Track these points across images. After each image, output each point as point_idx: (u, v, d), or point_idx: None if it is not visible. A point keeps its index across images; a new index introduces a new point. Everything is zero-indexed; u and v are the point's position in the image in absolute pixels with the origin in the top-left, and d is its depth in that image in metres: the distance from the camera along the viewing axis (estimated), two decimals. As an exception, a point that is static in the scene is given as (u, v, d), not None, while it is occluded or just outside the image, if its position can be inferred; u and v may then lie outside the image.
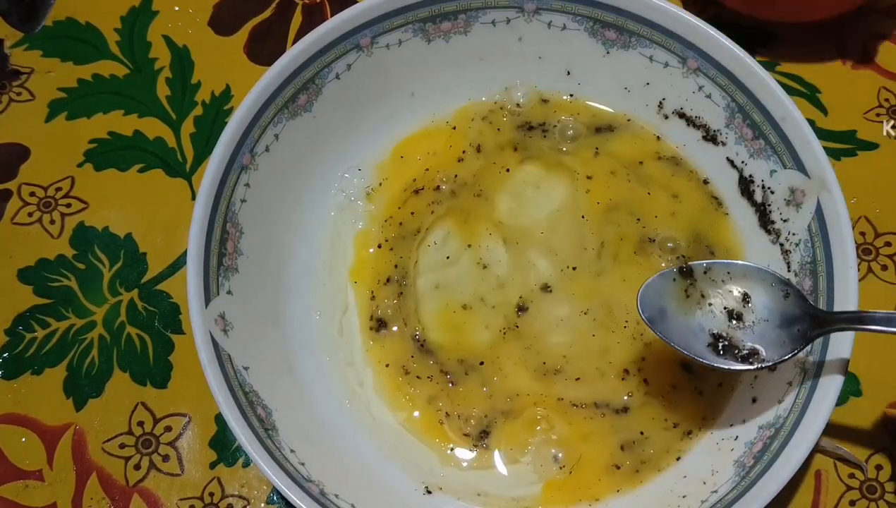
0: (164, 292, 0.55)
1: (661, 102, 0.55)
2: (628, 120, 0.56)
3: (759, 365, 0.45)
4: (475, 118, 0.57)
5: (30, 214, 0.57)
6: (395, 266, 0.54)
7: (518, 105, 0.57)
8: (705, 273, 0.47)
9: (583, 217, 0.54)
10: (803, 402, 0.45)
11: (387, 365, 0.51)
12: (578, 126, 0.57)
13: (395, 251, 0.54)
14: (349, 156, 0.56)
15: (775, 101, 0.50)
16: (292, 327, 0.52)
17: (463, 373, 0.51)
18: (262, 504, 0.50)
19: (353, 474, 0.48)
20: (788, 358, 0.44)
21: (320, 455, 0.47)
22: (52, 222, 0.57)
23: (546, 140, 0.56)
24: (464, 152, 0.56)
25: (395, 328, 0.52)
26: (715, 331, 0.46)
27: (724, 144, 0.53)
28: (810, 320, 0.44)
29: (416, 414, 0.50)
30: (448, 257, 0.54)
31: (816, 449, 0.50)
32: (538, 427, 0.50)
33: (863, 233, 0.56)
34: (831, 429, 0.51)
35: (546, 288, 0.53)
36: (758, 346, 0.45)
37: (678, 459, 0.49)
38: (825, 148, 0.48)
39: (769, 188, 0.51)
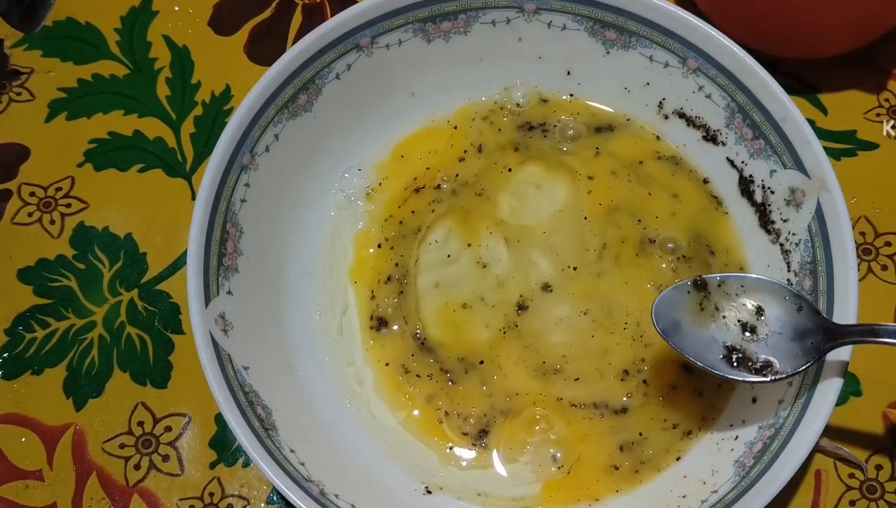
0: (164, 292, 0.55)
1: (661, 102, 0.55)
2: (628, 120, 0.56)
3: (774, 378, 0.45)
4: (476, 118, 0.57)
5: (30, 214, 0.57)
6: (396, 264, 0.54)
7: (518, 105, 0.57)
8: (719, 286, 0.47)
9: (585, 218, 0.54)
10: (803, 402, 0.45)
11: (387, 364, 0.51)
12: (578, 126, 0.57)
13: (395, 250, 0.54)
14: (349, 156, 0.56)
15: (775, 101, 0.50)
16: (292, 327, 0.52)
17: (463, 372, 0.51)
18: (262, 504, 0.50)
19: (353, 474, 0.48)
20: (802, 370, 0.44)
21: (320, 455, 0.47)
22: (52, 222, 0.57)
23: (546, 140, 0.56)
24: (465, 152, 0.56)
25: (395, 326, 0.52)
26: (729, 344, 0.46)
27: (724, 144, 0.53)
28: (823, 333, 0.44)
29: (416, 412, 0.50)
30: (449, 255, 0.54)
31: (816, 449, 0.50)
32: (537, 427, 0.50)
33: (863, 233, 0.56)
34: (831, 429, 0.51)
35: (547, 287, 0.53)
36: (772, 358, 0.45)
37: (678, 459, 0.49)
38: (825, 148, 0.48)
39: (769, 188, 0.51)
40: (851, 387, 0.52)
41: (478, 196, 0.55)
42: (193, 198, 0.57)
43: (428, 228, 0.54)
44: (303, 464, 0.45)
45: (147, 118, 0.60)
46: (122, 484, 0.51)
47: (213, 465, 0.51)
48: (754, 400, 0.48)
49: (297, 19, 0.64)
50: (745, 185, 0.53)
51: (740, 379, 0.45)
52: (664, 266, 0.53)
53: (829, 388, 0.44)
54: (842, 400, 0.52)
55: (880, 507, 0.50)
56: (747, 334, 0.46)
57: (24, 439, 0.52)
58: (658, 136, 0.56)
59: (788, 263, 0.49)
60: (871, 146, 0.59)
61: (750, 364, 0.46)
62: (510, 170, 0.56)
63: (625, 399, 0.50)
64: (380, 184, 0.56)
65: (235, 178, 0.49)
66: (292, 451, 0.45)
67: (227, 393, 0.44)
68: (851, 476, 0.50)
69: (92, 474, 0.51)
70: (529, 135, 0.57)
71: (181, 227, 0.56)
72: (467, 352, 0.51)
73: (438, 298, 0.53)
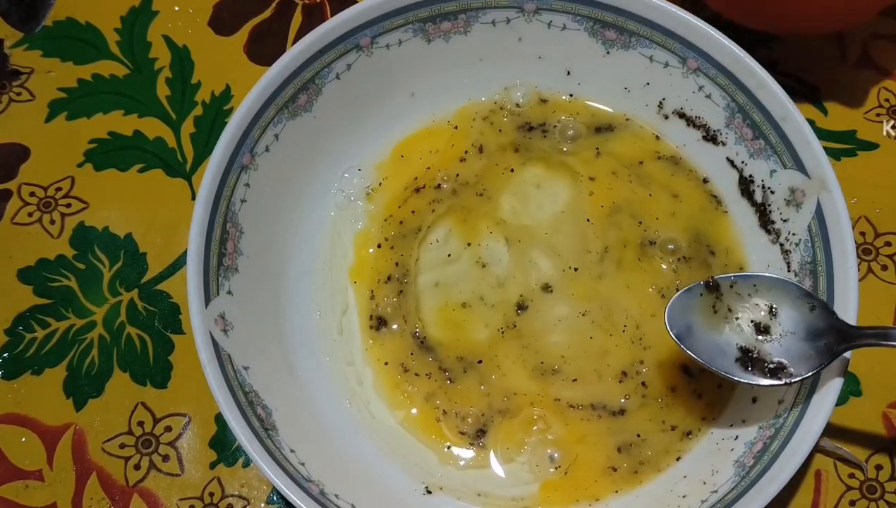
0: (164, 292, 0.55)
1: (661, 102, 0.55)
2: (628, 120, 0.56)
3: (788, 380, 0.45)
4: (476, 118, 0.57)
5: (30, 214, 0.57)
6: (396, 264, 0.54)
7: (518, 105, 0.57)
8: (731, 287, 0.46)
9: (588, 220, 0.54)
10: (803, 402, 0.45)
11: (386, 363, 0.51)
12: (578, 126, 0.57)
13: (395, 249, 0.54)
14: (349, 156, 0.56)
15: (775, 101, 0.50)
16: (292, 327, 0.52)
17: (461, 371, 0.51)
18: (262, 504, 0.50)
19: (353, 474, 0.48)
20: (815, 372, 0.44)
21: (320, 455, 0.47)
22: (52, 222, 0.57)
23: (546, 140, 0.56)
24: (466, 152, 0.56)
25: (395, 326, 0.52)
26: (742, 345, 0.46)
27: (723, 144, 0.53)
28: (836, 334, 0.44)
29: (414, 411, 0.50)
30: (449, 255, 0.54)
31: (816, 449, 0.50)
32: (535, 427, 0.50)
33: (863, 233, 0.56)
34: (831, 429, 0.51)
35: (547, 287, 0.53)
36: (784, 360, 0.45)
37: (678, 459, 0.49)
38: (825, 148, 0.48)
39: (769, 188, 0.51)
40: (851, 387, 0.52)
41: (478, 196, 0.55)
42: (193, 198, 0.57)
43: (428, 228, 0.54)
44: (303, 464, 0.45)
45: (147, 118, 0.60)
46: (122, 484, 0.51)
47: (213, 465, 0.51)
48: (754, 400, 0.48)
49: (297, 19, 0.64)
50: (745, 185, 0.53)
51: (754, 382, 0.45)
52: (664, 267, 0.53)
53: (830, 388, 0.44)
54: (842, 400, 0.52)
55: (880, 507, 0.50)
56: (761, 335, 0.46)
57: (24, 439, 0.52)
58: (658, 136, 0.56)
59: (788, 263, 0.49)
60: (871, 146, 0.59)
61: (763, 365, 0.45)
62: (512, 170, 0.56)
63: (623, 400, 0.50)
64: (380, 184, 0.56)
65: (235, 178, 0.49)
66: (292, 451, 0.46)
67: (227, 393, 0.44)
68: (851, 476, 0.50)
69: (92, 474, 0.51)
70: (529, 136, 0.57)
71: (181, 227, 0.56)
72: (466, 352, 0.51)
73: (438, 297, 0.53)
